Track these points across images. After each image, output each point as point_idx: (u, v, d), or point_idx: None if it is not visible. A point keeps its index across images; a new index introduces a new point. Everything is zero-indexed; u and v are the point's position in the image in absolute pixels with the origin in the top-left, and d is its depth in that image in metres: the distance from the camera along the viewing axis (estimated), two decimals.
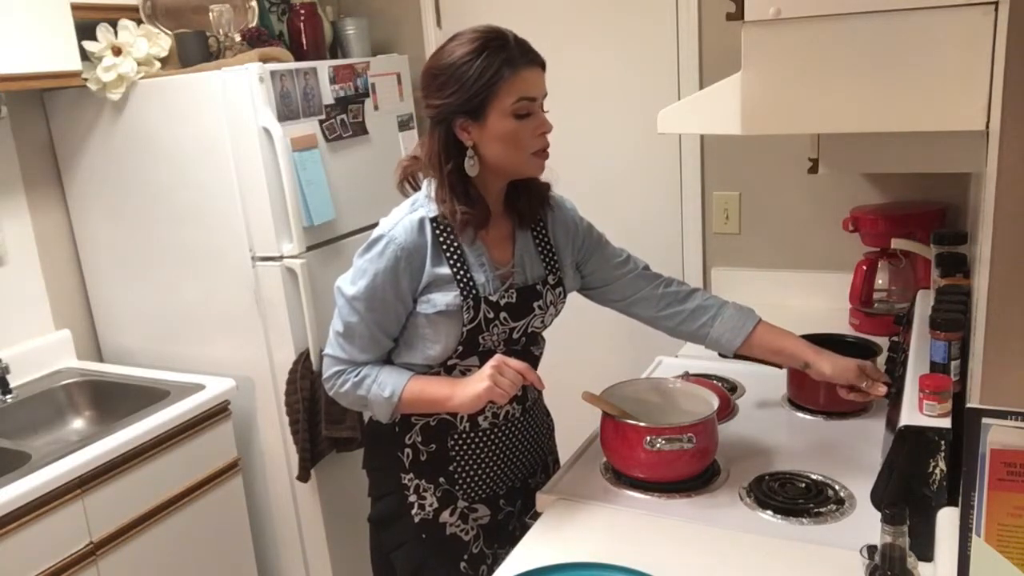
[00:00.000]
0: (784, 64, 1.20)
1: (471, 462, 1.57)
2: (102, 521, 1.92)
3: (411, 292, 1.47)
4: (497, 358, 1.43)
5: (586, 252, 1.63)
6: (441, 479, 1.56)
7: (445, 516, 1.56)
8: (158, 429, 2.04)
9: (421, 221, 1.45)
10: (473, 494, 1.58)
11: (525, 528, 1.53)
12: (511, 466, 1.62)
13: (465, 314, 1.46)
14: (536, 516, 1.52)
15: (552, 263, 1.57)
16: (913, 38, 1.11)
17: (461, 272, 1.46)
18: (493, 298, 1.48)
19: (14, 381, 2.26)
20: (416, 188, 1.54)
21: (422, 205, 1.48)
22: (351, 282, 1.48)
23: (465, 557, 1.57)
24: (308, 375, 2.29)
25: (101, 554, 1.92)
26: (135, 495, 2.00)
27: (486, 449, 1.57)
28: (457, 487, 1.56)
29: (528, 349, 1.58)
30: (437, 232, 1.46)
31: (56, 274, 2.48)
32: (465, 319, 1.46)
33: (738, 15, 1.21)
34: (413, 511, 1.55)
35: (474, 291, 1.46)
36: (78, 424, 2.31)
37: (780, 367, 1.71)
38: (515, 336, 1.53)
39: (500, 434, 1.58)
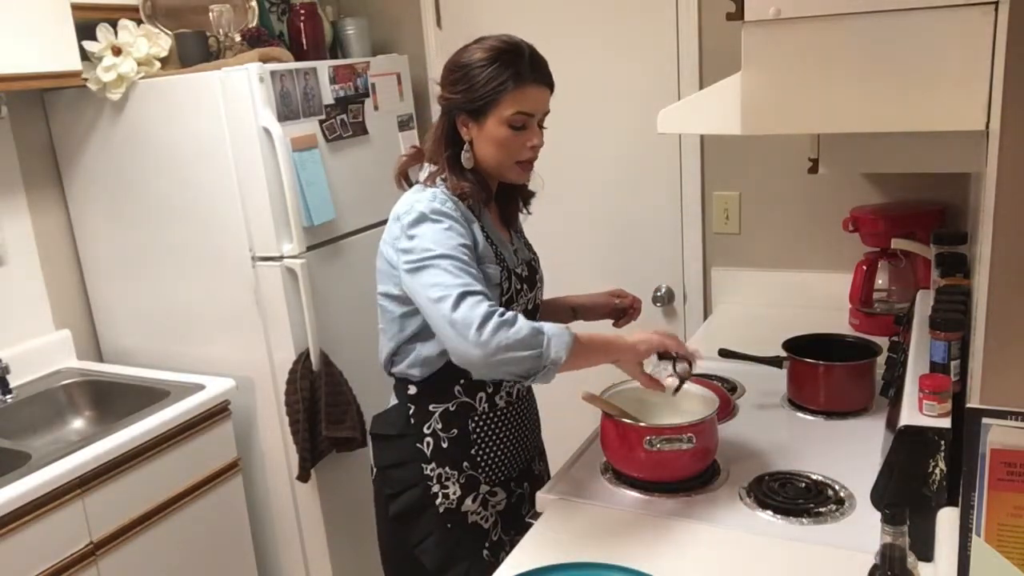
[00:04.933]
0: (784, 64, 1.20)
1: (491, 443, 1.61)
2: (102, 521, 1.92)
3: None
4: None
5: None
6: (464, 464, 1.59)
7: (468, 504, 1.59)
8: (158, 429, 2.04)
9: (449, 199, 1.49)
10: (494, 476, 1.62)
11: (534, 513, 1.55)
12: (523, 444, 1.68)
13: (504, 284, 1.53)
14: (536, 516, 1.52)
15: (529, 245, 1.73)
16: (913, 38, 1.11)
17: (495, 245, 1.54)
18: (517, 270, 1.58)
19: (14, 381, 2.26)
20: (411, 184, 1.60)
21: (436, 189, 1.52)
22: (426, 246, 1.41)
23: (487, 545, 1.60)
24: (308, 375, 2.28)
25: (101, 554, 1.92)
26: (135, 495, 2.00)
27: (503, 428, 1.63)
28: (480, 470, 1.60)
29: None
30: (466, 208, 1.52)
31: (56, 274, 2.48)
32: (504, 289, 1.53)
33: (738, 15, 1.21)
34: (438, 501, 1.58)
35: (505, 263, 1.55)
36: (78, 424, 2.31)
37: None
38: (529, 308, 1.62)
39: (514, 412, 1.65)
